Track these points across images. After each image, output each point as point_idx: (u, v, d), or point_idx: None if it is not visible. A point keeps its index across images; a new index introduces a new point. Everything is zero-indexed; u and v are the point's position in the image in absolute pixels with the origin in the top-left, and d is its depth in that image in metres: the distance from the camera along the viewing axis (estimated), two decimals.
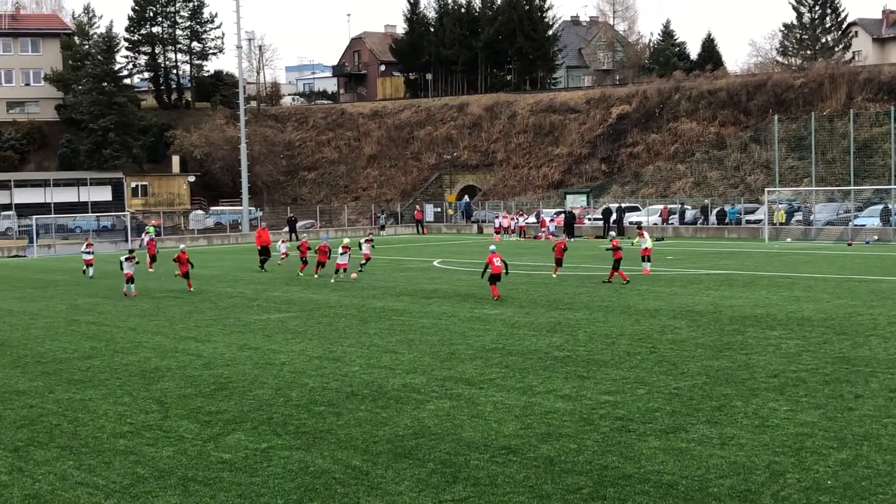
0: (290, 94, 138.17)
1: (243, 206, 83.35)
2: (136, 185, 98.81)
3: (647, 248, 38.54)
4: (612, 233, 36.76)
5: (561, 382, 17.68)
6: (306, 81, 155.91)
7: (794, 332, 22.82)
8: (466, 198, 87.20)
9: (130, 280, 34.74)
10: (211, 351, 22.27)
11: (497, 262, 30.49)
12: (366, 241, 42.80)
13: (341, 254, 37.83)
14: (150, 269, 45.46)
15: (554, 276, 37.14)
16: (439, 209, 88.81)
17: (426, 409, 15.81)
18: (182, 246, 38.97)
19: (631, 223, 71.23)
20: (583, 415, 15.21)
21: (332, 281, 37.13)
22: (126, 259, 34.99)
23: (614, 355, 20.30)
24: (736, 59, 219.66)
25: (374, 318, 27.10)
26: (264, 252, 45.04)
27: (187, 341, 23.81)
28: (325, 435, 14.41)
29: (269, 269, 44.03)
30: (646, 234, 40.20)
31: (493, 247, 32.16)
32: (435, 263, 46.62)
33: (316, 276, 39.45)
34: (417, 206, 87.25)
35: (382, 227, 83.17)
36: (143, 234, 57.43)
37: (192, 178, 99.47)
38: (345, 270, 38.01)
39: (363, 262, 41.24)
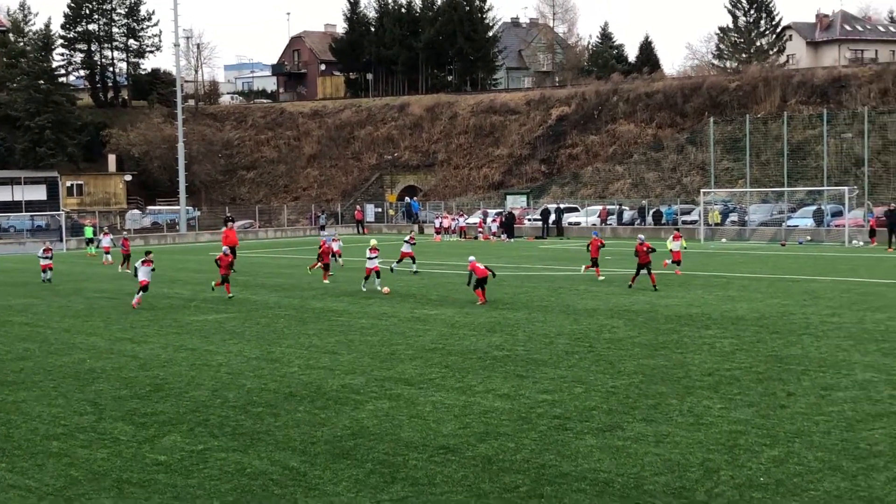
0: (228, 93, 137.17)
1: (181, 205, 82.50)
2: (72, 185, 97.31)
3: (677, 251, 38.59)
4: (641, 236, 34.85)
5: (500, 382, 17.76)
6: (245, 80, 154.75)
7: (728, 331, 23.15)
8: (416, 199, 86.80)
9: (144, 289, 30.74)
10: (147, 352, 22.03)
11: (481, 266, 29.45)
12: (408, 239, 41.95)
13: (370, 258, 33.43)
14: (126, 271, 43.67)
15: (599, 277, 35.81)
16: (380, 209, 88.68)
17: (365, 410, 15.80)
18: (226, 248, 36.14)
19: (570, 223, 71.79)
20: (521, 414, 15.30)
21: (364, 289, 33.28)
22: (143, 262, 31.11)
23: (553, 354, 20.44)
24: (673, 61, 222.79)
25: (314, 318, 26.99)
26: (231, 253, 43.83)
27: (123, 342, 23.53)
28: (262, 436, 14.34)
29: (237, 269, 42.68)
30: (681, 238, 40.38)
31: (472, 256, 30.50)
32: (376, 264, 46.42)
33: (325, 280, 37.11)
34: (358, 207, 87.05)
35: (322, 228, 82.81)
36: (101, 235, 55.44)
37: (128, 178, 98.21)
38: (378, 275, 33.37)
39: (398, 261, 40.67)
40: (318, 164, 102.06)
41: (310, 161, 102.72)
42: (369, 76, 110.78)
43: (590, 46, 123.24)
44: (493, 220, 70.95)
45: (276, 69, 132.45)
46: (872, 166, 65.80)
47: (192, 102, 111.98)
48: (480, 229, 70.47)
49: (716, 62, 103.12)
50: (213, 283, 33.87)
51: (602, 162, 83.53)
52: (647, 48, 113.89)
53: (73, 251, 64.25)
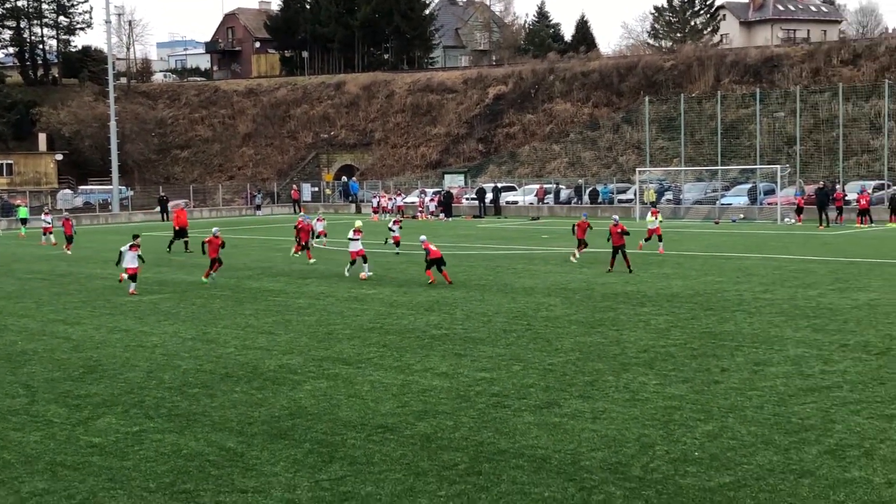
0: (161, 71, 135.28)
1: (113, 185, 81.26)
2: (1, 164, 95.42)
3: (654, 228, 37.74)
4: (616, 216, 32.85)
5: (438, 360, 17.79)
6: (178, 58, 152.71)
7: (663, 308, 23.41)
8: (354, 180, 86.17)
9: (133, 277, 28.15)
10: (80, 334, 21.71)
11: (433, 247, 29.00)
12: (394, 221, 40.87)
13: (353, 239, 31.20)
14: (68, 252, 42.85)
15: (573, 259, 34.74)
16: (317, 189, 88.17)
17: (302, 390, 15.73)
18: (215, 229, 31.76)
19: (508, 202, 72.01)
20: (459, 392, 15.33)
21: (347, 273, 31.15)
22: (130, 247, 28.17)
23: (490, 333, 20.51)
24: (608, 41, 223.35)
25: (250, 298, 26.79)
26: (181, 234, 43.13)
27: (55, 324, 23.15)
28: (198, 417, 14.21)
29: (192, 249, 41.86)
30: (659, 214, 39.56)
31: (423, 236, 30.61)
32: (312, 243, 46.23)
33: (311, 259, 36.64)
34: (294, 186, 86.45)
35: (258, 207, 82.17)
36: (42, 215, 53.58)
37: (59, 157, 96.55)
38: (364, 259, 31.10)
39: (397, 244, 39.47)
40: (254, 142, 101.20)
41: (245, 140, 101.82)
42: (305, 54, 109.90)
43: (526, 25, 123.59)
44: (431, 200, 70.93)
45: (210, 47, 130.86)
46: (804, 145, 66.85)
47: (124, 80, 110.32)
48: (421, 208, 70.40)
49: (651, 42, 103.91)
50: (203, 276, 31.02)
51: (539, 141, 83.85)
52: (583, 27, 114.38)
53: (5, 232, 63.00)
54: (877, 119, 65.80)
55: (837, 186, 57.44)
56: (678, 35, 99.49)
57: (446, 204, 68.01)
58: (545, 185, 72.88)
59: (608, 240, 31.26)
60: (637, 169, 67.11)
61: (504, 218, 67.79)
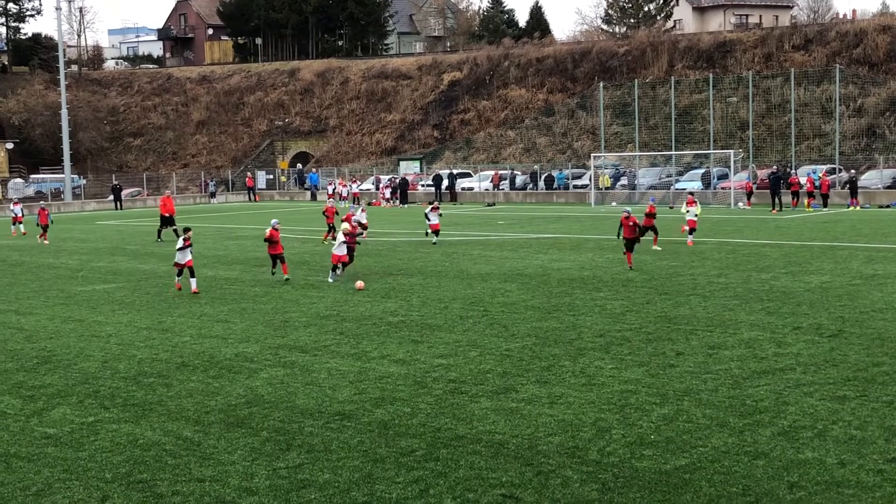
0: (113, 58, 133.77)
1: (66, 173, 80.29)
2: None
3: (692, 220, 34.61)
4: (628, 209, 29.72)
5: (395, 347, 17.78)
6: (130, 45, 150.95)
7: (619, 292, 23.55)
8: (315, 171, 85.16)
9: (190, 271, 25.48)
10: (33, 324, 21.45)
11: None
12: (432, 209, 37.17)
13: (340, 242, 27.12)
14: (45, 242, 42.13)
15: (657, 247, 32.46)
16: (271, 176, 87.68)
17: (259, 378, 15.66)
18: (274, 221, 27.96)
19: (464, 189, 72.04)
20: (416, 378, 15.34)
21: (331, 280, 26.95)
22: (185, 242, 25.64)
23: (447, 319, 20.52)
24: (563, 27, 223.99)
25: (205, 287, 26.59)
26: (168, 222, 42.08)
27: (7, 314, 22.86)
28: (154, 407, 14.11)
29: (164, 238, 41.33)
30: (697, 203, 36.27)
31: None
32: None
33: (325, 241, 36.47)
34: (249, 174, 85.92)
35: (213, 195, 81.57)
36: (12, 204, 51.87)
37: (9, 146, 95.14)
38: (344, 266, 27.38)
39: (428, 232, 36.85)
40: (207, 130, 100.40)
41: (198, 127, 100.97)
42: (258, 41, 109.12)
43: (481, 11, 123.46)
44: (386, 186, 70.79)
45: (163, 34, 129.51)
46: (757, 130, 67.45)
47: (75, 68, 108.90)
48: (383, 195, 70.19)
49: (605, 27, 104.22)
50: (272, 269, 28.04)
51: (494, 127, 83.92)
52: (537, 13, 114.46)
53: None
54: (828, 104, 66.53)
55: (793, 172, 57.94)
56: (632, 21, 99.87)
57: (402, 191, 67.92)
58: (500, 172, 72.99)
59: (618, 235, 28.95)
60: (592, 154, 67.38)
61: (460, 204, 67.84)
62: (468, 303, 22.66)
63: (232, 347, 18.21)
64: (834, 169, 59.06)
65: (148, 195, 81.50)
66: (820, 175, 54.65)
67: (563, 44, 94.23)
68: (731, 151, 61.12)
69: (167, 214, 42.33)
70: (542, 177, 69.87)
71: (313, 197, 78.94)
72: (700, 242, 34.80)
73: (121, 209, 72.47)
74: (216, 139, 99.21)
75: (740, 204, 55.15)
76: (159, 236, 41.70)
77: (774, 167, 57.32)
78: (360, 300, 23.43)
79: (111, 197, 74.38)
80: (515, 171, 73.41)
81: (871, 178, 58.05)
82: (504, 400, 13.94)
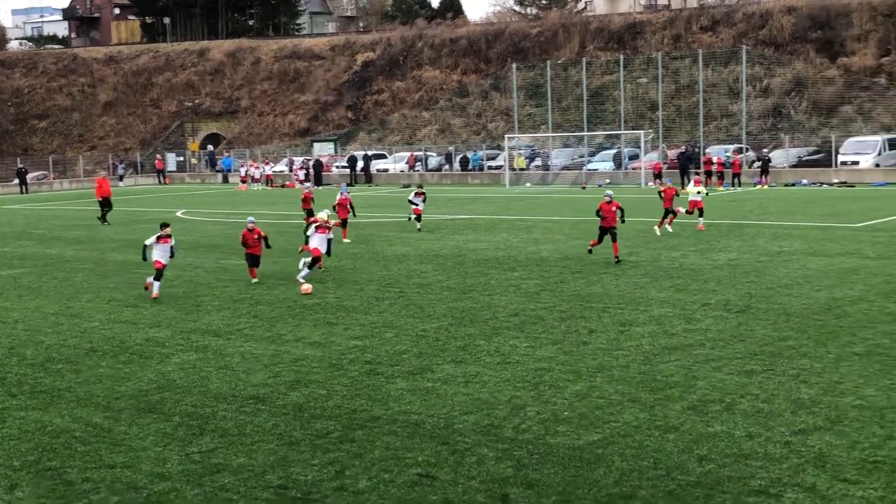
0: (16, 39, 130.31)
1: None
2: None
3: (697, 201, 32.16)
4: (609, 192, 26.28)
5: (310, 330, 17.68)
6: (34, 25, 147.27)
7: (533, 272, 23.73)
8: (228, 155, 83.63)
9: (158, 275, 21.92)
10: None
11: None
12: (416, 193, 34.56)
13: (317, 234, 23.87)
14: None
15: (669, 227, 30.91)
16: (182, 158, 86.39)
17: (171, 363, 15.45)
18: (250, 220, 23.88)
19: (379, 170, 71.81)
20: (332, 361, 15.28)
21: (301, 278, 22.85)
22: (158, 238, 22.13)
23: (363, 301, 20.47)
24: (476, 7, 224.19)
25: (114, 272, 26.13)
26: (106, 204, 41.02)
27: None
28: (63, 393, 13.83)
29: (110, 221, 40.52)
30: (701, 184, 34.71)
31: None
32: (178, 214, 45.43)
33: (346, 239, 31.73)
34: (158, 156, 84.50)
35: (121, 178, 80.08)
36: None
37: None
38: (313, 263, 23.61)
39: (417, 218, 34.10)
40: (115, 111, 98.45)
41: (106, 109, 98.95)
42: (166, 20, 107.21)
43: None
44: (300, 168, 70.25)
45: (68, 13, 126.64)
46: (666, 110, 68.39)
47: None
48: (297, 176, 69.57)
49: (517, 9, 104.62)
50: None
51: (409, 108, 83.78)
52: None
53: None
54: (735, 84, 67.71)
55: (708, 151, 58.79)
56: (544, 2, 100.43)
57: (316, 172, 67.47)
58: (416, 153, 72.94)
59: (597, 215, 25.89)
60: (506, 135, 67.70)
61: (375, 186, 67.64)
62: (384, 284, 22.63)
63: (142, 332, 17.93)
64: (741, 149, 60.15)
65: (55, 178, 79.72)
66: (730, 155, 55.70)
67: (477, 25, 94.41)
68: (642, 132, 61.91)
69: (102, 198, 41.14)
70: (458, 158, 69.99)
71: (225, 180, 78.01)
72: None
73: (26, 193, 70.78)
74: (124, 121, 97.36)
75: (651, 183, 55.90)
76: (104, 219, 40.65)
77: (683, 147, 58.22)
78: (274, 283, 23.23)
79: (16, 181, 72.57)
80: (430, 153, 73.38)
81: (777, 158, 59.28)
82: (420, 380, 13.96)
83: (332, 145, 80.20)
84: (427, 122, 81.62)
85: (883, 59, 66.70)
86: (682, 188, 51.89)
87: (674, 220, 31.19)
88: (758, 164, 56.66)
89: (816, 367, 13.91)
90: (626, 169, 61.52)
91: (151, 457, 11.05)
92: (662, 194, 30.81)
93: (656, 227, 30.88)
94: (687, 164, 53.47)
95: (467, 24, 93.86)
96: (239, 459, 10.87)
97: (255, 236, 23.33)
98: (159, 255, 22.09)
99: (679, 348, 15.34)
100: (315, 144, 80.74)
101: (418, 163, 71.42)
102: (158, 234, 22.14)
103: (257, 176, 70.16)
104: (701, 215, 31.91)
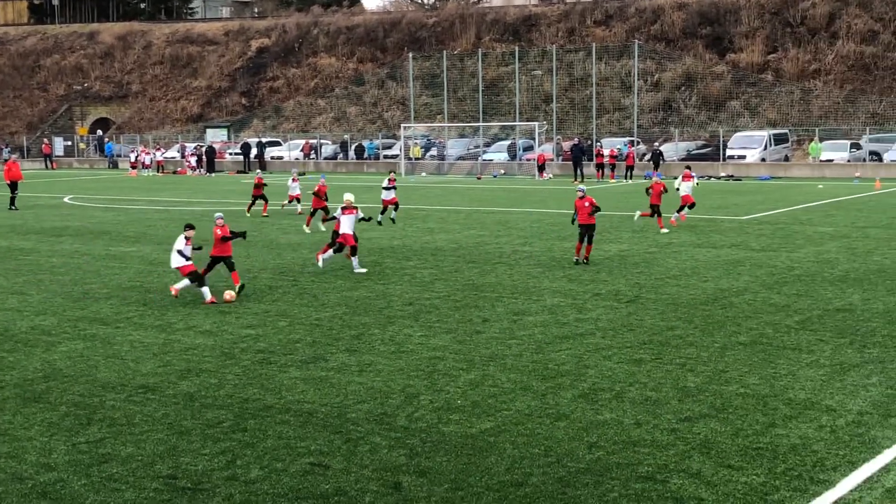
0: None
1: None
2: None
3: (688, 196, 30.87)
4: (583, 187, 24.19)
5: (201, 318, 17.46)
6: None
7: (427, 261, 23.81)
8: (111, 141, 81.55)
9: (194, 276, 19.29)
10: None
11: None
12: (389, 180, 31.65)
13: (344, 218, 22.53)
14: None
15: (663, 230, 28.80)
16: (70, 143, 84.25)
17: (57, 352, 15.09)
18: (218, 216, 20.62)
19: (273, 158, 71.08)
20: (224, 349, 15.12)
21: (359, 269, 22.30)
22: (187, 241, 19.36)
23: (256, 289, 20.28)
24: None
25: None
26: (14, 188, 39.33)
27: None
28: None
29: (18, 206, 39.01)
30: (694, 177, 32.13)
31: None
32: (66, 200, 44.33)
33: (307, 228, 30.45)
34: (45, 140, 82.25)
35: (6, 162, 77.71)
36: None
37: None
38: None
39: (382, 211, 31.09)
40: (0, 94, 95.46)
41: None
42: (55, 1, 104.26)
43: None
44: (192, 154, 69.14)
45: None
46: (560, 102, 69.19)
47: None
48: (189, 163, 68.39)
49: None
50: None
51: (304, 95, 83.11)
52: None
53: None
54: (627, 78, 68.82)
55: (600, 143, 59.59)
56: None
57: (209, 159, 66.50)
58: (311, 141, 72.40)
59: (573, 221, 24.04)
60: (402, 125, 67.67)
61: (269, 173, 66.97)
62: (277, 272, 22.46)
63: (28, 320, 17.48)
64: (633, 142, 61.19)
65: None
66: (622, 147, 56.67)
67: (373, 13, 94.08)
68: (536, 123, 62.51)
69: (11, 181, 39.56)
70: (353, 146, 69.69)
71: (114, 165, 76.36)
72: (507, 212, 35.53)
73: None
74: (10, 104, 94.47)
75: (545, 175, 56.51)
76: (13, 205, 39.18)
77: (576, 139, 58.98)
78: (164, 271, 22.82)
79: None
80: (325, 141, 72.93)
81: (666, 151, 60.46)
82: (313, 369, 13.91)
83: (225, 132, 79.10)
84: (322, 110, 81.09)
85: (770, 55, 68.52)
86: (575, 180, 52.64)
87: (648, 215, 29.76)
88: (648, 158, 57.72)
89: (703, 356, 14.27)
90: (520, 160, 62.05)
91: (37, 447, 10.79)
92: (650, 190, 29.13)
93: (660, 227, 28.89)
94: (580, 156, 54.19)
95: (364, 13, 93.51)
96: (127, 449, 10.68)
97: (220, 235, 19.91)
98: (181, 259, 19.37)
99: (571, 337, 15.57)
100: (208, 131, 79.54)
101: (313, 151, 70.91)
102: (184, 234, 19.44)
103: (148, 162, 68.84)
104: (683, 209, 30.78)
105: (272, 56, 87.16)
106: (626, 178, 53.87)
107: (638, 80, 66.80)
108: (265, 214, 35.51)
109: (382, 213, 31.18)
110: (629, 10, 76.71)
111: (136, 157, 69.21)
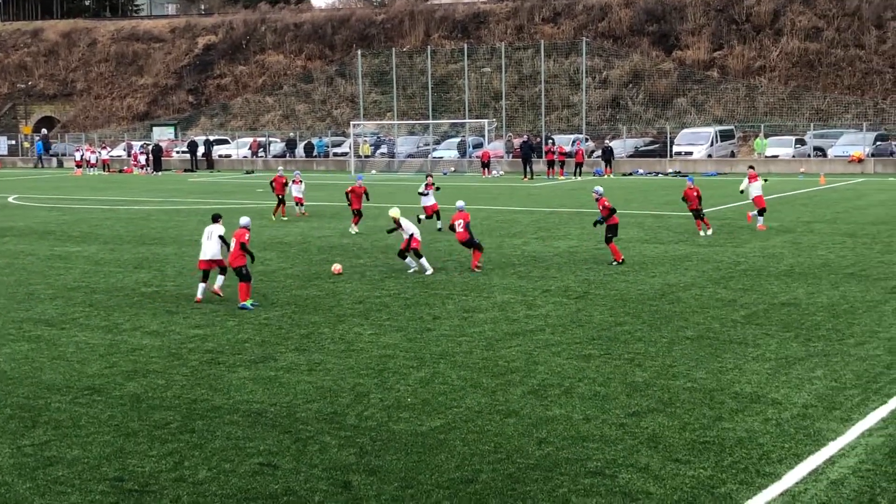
0: None
1: None
2: None
3: (759, 197, 28.30)
4: (599, 188, 23.50)
5: (149, 319, 17.29)
6: None
7: (377, 259, 23.76)
8: (38, 138, 79.76)
9: (223, 270, 19.25)
10: None
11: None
12: (426, 185, 30.31)
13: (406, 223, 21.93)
14: None
15: (708, 231, 27.10)
16: (14, 142, 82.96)
17: (1, 354, 14.87)
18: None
19: (221, 156, 70.53)
20: (171, 350, 14.98)
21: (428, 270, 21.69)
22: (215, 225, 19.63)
23: (204, 289, 20.08)
24: None
25: None
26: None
27: None
28: None
29: None
30: (759, 178, 29.19)
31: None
32: (10, 200, 43.68)
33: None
34: None
35: None
36: None
37: None
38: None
39: (423, 217, 28.27)
40: None
41: None
42: None
43: None
44: (140, 153, 68.38)
45: None
46: (509, 100, 69.36)
47: None
48: (136, 161, 67.57)
49: None
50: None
51: (252, 93, 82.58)
52: None
53: None
54: (575, 75, 69.16)
55: (552, 140, 59.72)
56: None
57: (155, 158, 65.83)
58: (259, 139, 71.94)
59: (595, 224, 23.58)
60: (351, 122, 67.45)
61: (217, 171, 66.48)
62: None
63: None
64: (580, 139, 61.47)
65: None
66: (583, 144, 57.01)
67: (322, 10, 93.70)
68: (486, 121, 62.62)
69: None
70: (302, 144, 69.36)
71: (59, 164, 75.32)
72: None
73: None
74: None
75: (494, 172, 56.61)
76: None
77: (525, 136, 59.14)
78: (111, 271, 22.60)
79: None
80: (273, 139, 72.51)
81: (615, 148, 60.81)
82: (262, 369, 13.83)
83: (172, 130, 78.34)
84: (271, 108, 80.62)
85: (715, 52, 69.18)
86: (524, 177, 52.80)
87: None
88: (598, 154, 58.05)
89: (650, 351, 14.38)
90: (470, 157, 62.11)
91: None
92: (685, 198, 27.07)
93: (700, 231, 27.28)
94: (529, 153, 54.36)
95: (312, 10, 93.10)
96: (73, 452, 10.55)
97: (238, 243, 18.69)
98: (214, 250, 19.18)
99: (520, 334, 15.62)
100: (154, 129, 78.72)
101: (261, 149, 70.46)
102: (215, 226, 19.50)
103: (93, 161, 68.02)
104: (761, 214, 28.12)
105: (219, 53, 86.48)
106: (574, 175, 54.14)
107: (586, 77, 67.15)
108: (284, 217, 33.16)
109: (426, 219, 28.62)
110: (577, 8, 77.05)
111: (82, 155, 68.32)
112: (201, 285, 18.90)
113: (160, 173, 64.24)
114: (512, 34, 77.00)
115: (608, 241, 22.66)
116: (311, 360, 14.26)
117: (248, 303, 18.10)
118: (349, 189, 29.77)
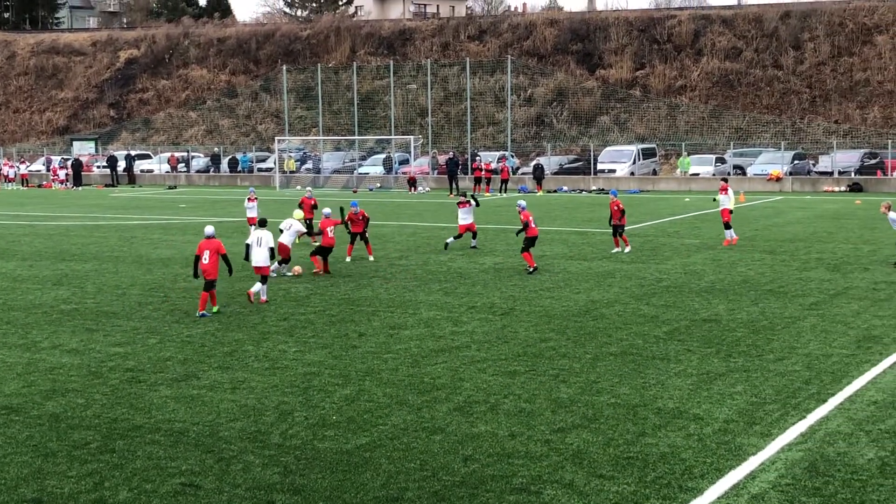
0: None
1: None
2: None
3: (726, 209, 28.59)
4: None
5: (67, 337, 16.96)
6: None
7: (302, 277, 23.62)
8: None
9: (264, 279, 20.25)
10: None
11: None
12: (463, 202, 28.51)
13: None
14: None
15: (626, 248, 27.21)
16: None
17: None
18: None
19: (143, 171, 69.58)
20: (91, 368, 14.71)
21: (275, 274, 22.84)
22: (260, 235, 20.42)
23: (125, 306, 19.81)
24: (245, 8, 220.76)
25: None
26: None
27: None
28: None
29: None
30: (730, 190, 29.42)
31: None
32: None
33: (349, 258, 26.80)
34: None
35: None
36: None
37: None
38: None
39: (457, 236, 28.24)
40: None
41: None
42: None
43: None
44: (60, 168, 67.14)
45: None
46: (435, 116, 69.56)
47: None
48: (56, 176, 66.29)
49: (288, 10, 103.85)
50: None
51: (175, 108, 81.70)
52: None
53: None
54: (501, 93, 69.61)
55: (479, 157, 59.91)
56: (315, 5, 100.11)
57: (76, 172, 64.72)
58: (177, 154, 71.03)
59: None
60: (276, 138, 67.06)
61: (139, 186, 65.59)
62: (148, 289, 21.98)
63: None
64: (504, 156, 61.83)
65: None
66: (510, 161, 57.33)
67: (246, 25, 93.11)
68: (412, 137, 62.70)
69: None
70: (226, 159, 68.74)
71: None
72: (383, 226, 35.48)
73: None
74: None
75: (420, 188, 56.65)
76: None
77: (451, 153, 59.34)
78: (29, 288, 22.14)
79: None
80: (196, 154, 71.74)
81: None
82: (185, 387, 13.64)
83: (92, 144, 77.06)
84: (194, 123, 79.83)
85: (638, 71, 70.16)
86: (450, 193, 52.95)
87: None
88: (526, 171, 58.42)
89: (575, 367, 14.49)
90: (396, 174, 62.12)
91: None
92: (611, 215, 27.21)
93: (615, 248, 27.39)
94: (455, 169, 54.53)
95: (236, 24, 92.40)
96: None
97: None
98: (262, 257, 20.21)
99: (446, 350, 15.63)
100: (75, 143, 77.38)
101: (181, 164, 69.64)
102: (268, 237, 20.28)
103: (11, 175, 66.63)
104: (728, 228, 28.53)
105: (141, 67, 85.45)
106: (500, 192, 54.41)
107: (511, 94, 67.63)
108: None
109: (456, 238, 28.16)
110: (502, 26, 77.64)
111: None
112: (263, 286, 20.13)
113: (80, 188, 63.18)
114: (438, 51, 77.31)
115: (523, 250, 24.23)
116: (234, 378, 14.11)
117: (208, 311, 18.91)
118: (347, 217, 27.10)
